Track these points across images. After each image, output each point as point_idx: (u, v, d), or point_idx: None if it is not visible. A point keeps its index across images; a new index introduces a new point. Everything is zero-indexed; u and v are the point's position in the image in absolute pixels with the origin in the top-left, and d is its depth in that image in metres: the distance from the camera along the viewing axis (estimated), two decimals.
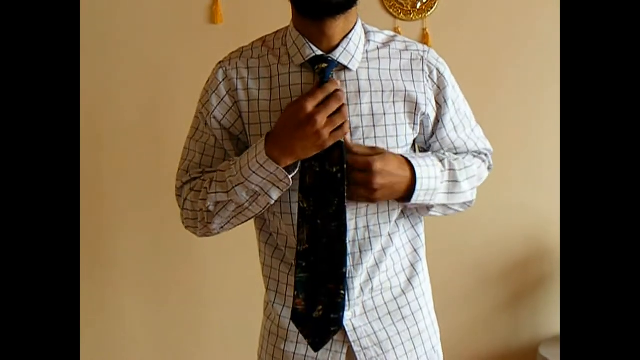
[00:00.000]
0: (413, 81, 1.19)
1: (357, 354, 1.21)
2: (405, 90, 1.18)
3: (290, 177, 1.11)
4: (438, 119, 1.23)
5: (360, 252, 1.19)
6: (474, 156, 1.30)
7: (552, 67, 2.20)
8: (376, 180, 1.11)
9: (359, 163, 1.12)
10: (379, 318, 1.23)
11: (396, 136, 1.18)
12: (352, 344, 1.21)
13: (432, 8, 2.21)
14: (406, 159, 1.16)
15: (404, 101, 1.19)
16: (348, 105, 1.15)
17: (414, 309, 1.25)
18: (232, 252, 2.17)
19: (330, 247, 1.14)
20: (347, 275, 1.17)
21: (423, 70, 1.21)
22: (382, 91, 1.17)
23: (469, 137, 1.29)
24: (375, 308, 1.22)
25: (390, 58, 1.20)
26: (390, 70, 1.19)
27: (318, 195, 1.13)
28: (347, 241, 1.15)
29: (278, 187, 1.12)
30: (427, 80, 1.21)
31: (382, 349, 1.22)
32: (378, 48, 1.20)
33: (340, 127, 1.10)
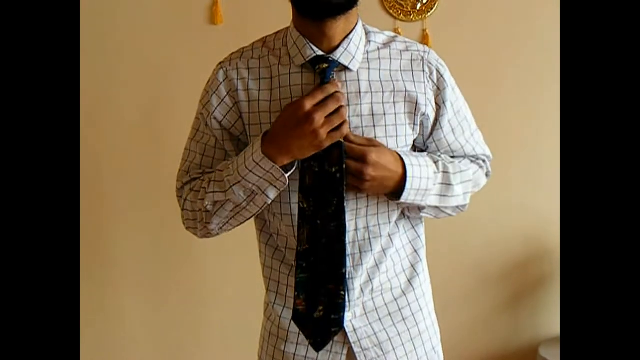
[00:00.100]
0: (414, 81, 1.19)
1: (357, 355, 1.21)
2: (406, 91, 1.18)
3: (286, 176, 1.11)
4: (436, 120, 1.23)
5: (360, 253, 1.19)
6: (471, 161, 1.30)
7: (552, 67, 2.19)
8: (368, 171, 1.11)
9: (354, 151, 1.12)
10: (380, 319, 1.23)
11: (396, 136, 1.18)
12: (353, 345, 1.21)
13: (432, 9, 2.21)
14: (400, 156, 1.16)
15: (404, 101, 1.19)
16: (348, 105, 1.15)
17: (415, 309, 1.25)
18: (232, 252, 2.17)
19: (329, 248, 1.14)
20: (347, 276, 1.17)
21: (424, 70, 1.21)
22: (383, 92, 1.17)
23: (467, 141, 1.28)
24: (376, 309, 1.22)
25: (390, 59, 1.20)
26: (390, 70, 1.19)
27: (317, 196, 1.13)
28: (347, 242, 1.15)
29: (275, 186, 1.12)
30: (428, 81, 1.20)
31: (382, 350, 1.22)
32: (379, 49, 1.20)
33: (338, 128, 1.10)
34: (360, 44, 1.17)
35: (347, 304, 1.18)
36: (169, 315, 2.28)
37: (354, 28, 1.16)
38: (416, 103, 1.19)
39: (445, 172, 1.21)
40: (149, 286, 2.27)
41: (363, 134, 1.16)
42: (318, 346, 1.18)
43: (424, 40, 2.19)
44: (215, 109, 1.20)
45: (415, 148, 1.27)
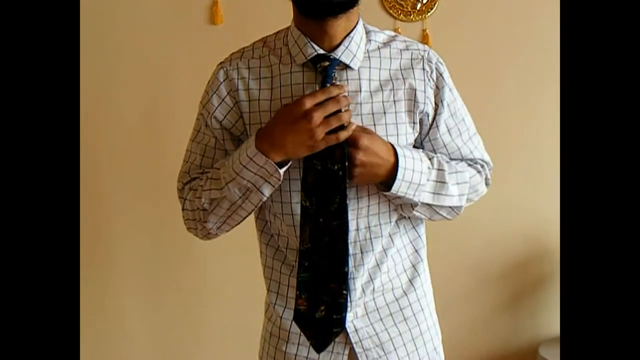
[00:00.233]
0: (414, 80, 1.19)
1: (359, 356, 1.21)
2: (406, 90, 1.19)
3: (281, 171, 1.11)
4: (433, 119, 1.22)
5: (362, 253, 1.19)
6: (469, 164, 1.28)
7: (552, 67, 2.20)
8: (359, 156, 1.10)
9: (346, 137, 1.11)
10: (381, 319, 1.22)
11: (396, 135, 1.18)
12: (354, 345, 1.20)
13: (432, 9, 2.21)
14: (393, 146, 1.15)
15: (405, 100, 1.19)
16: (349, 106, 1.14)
17: (416, 310, 1.25)
18: (232, 252, 2.17)
19: (332, 246, 1.14)
20: (349, 276, 1.17)
21: (424, 69, 1.21)
22: (383, 90, 1.17)
23: (465, 144, 1.27)
24: (377, 309, 1.22)
25: (391, 58, 1.20)
26: (391, 69, 1.19)
27: (320, 194, 1.13)
28: (349, 241, 1.15)
29: (269, 183, 1.12)
30: (428, 79, 1.20)
31: (384, 350, 1.22)
32: (379, 47, 1.20)
33: (336, 131, 1.09)
34: (361, 43, 1.17)
35: (348, 304, 1.18)
36: (169, 315, 2.28)
37: (354, 27, 1.16)
38: (416, 101, 1.19)
39: (440, 169, 1.20)
40: (149, 286, 2.27)
41: None
42: (319, 347, 1.17)
43: (424, 40, 2.19)
44: (216, 108, 1.20)
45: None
